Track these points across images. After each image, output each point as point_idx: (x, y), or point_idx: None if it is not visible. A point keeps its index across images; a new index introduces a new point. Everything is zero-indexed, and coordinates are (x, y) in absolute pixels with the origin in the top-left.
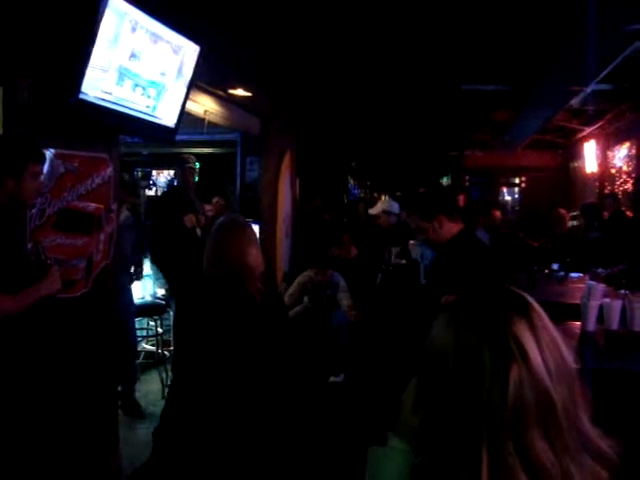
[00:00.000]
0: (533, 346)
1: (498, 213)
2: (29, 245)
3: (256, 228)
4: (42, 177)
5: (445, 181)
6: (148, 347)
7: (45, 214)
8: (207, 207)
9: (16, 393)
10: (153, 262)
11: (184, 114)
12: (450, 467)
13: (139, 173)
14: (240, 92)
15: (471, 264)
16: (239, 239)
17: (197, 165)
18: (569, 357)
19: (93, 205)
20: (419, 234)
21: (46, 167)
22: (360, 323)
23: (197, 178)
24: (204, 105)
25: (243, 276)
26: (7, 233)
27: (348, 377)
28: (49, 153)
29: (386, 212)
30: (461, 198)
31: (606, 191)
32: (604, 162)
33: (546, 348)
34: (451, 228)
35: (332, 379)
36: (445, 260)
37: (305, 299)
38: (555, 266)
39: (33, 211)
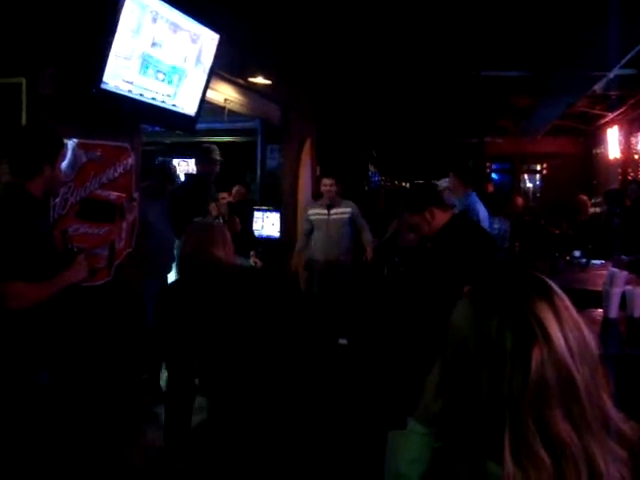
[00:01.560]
0: (555, 327)
1: (520, 200)
2: (55, 234)
3: (277, 216)
4: (63, 165)
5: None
6: None
7: (68, 203)
8: (222, 195)
9: (44, 379)
10: None
11: (204, 103)
12: (473, 450)
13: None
14: (260, 80)
15: (464, 246)
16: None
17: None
18: (591, 338)
19: (115, 194)
20: (415, 231)
21: (69, 156)
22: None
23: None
24: (224, 93)
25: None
26: (36, 223)
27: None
28: (72, 143)
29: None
30: (489, 186)
31: (629, 177)
32: (627, 148)
33: (568, 329)
34: (443, 217)
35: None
36: (439, 247)
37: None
38: (577, 253)
39: (56, 200)
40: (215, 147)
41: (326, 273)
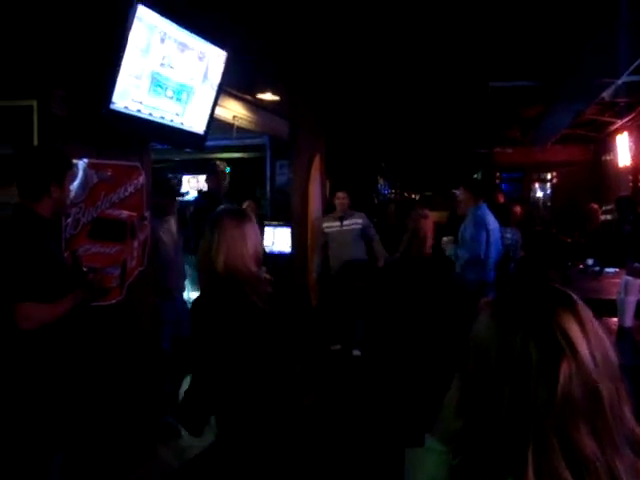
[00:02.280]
0: (582, 340)
1: (518, 209)
2: (66, 254)
3: (287, 231)
4: (72, 185)
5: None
6: None
7: (80, 223)
8: None
9: (56, 399)
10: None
11: (213, 120)
12: (494, 467)
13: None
14: (268, 96)
15: None
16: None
17: (227, 170)
18: (613, 351)
19: (126, 213)
20: None
21: (80, 177)
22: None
23: (227, 182)
24: (233, 110)
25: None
26: (45, 243)
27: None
28: (82, 163)
29: None
30: (500, 197)
31: None
32: (637, 154)
33: (593, 342)
34: None
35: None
36: None
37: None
38: (590, 261)
39: (68, 220)
40: (222, 162)
41: (340, 283)
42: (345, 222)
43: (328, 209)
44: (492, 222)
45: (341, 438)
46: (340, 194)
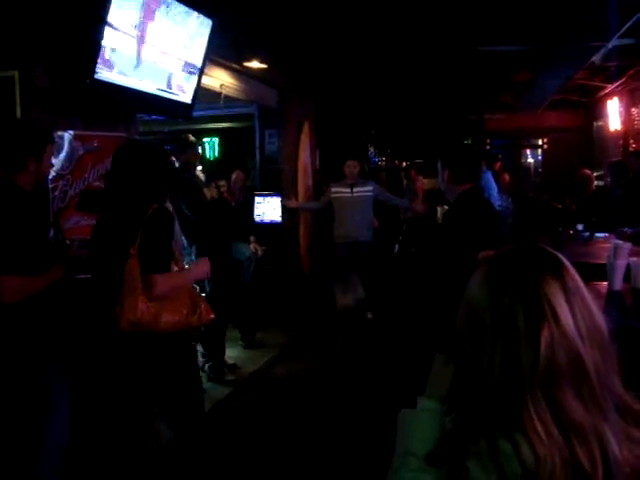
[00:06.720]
0: (565, 308)
1: (507, 177)
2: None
3: (277, 200)
4: (54, 159)
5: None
6: None
7: (67, 196)
8: (221, 182)
9: (55, 368)
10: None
11: (200, 89)
12: (485, 426)
13: None
14: (255, 64)
15: (473, 221)
16: None
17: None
18: (601, 319)
19: None
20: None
21: (65, 149)
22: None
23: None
24: (220, 79)
25: None
26: (27, 216)
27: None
28: (68, 135)
29: None
30: (496, 165)
31: (631, 149)
32: (628, 119)
33: (578, 310)
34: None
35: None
36: (449, 218)
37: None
38: (580, 227)
39: (55, 194)
40: (192, 137)
41: (350, 250)
42: (355, 189)
43: (319, 177)
44: (494, 189)
45: (336, 403)
46: (350, 162)
